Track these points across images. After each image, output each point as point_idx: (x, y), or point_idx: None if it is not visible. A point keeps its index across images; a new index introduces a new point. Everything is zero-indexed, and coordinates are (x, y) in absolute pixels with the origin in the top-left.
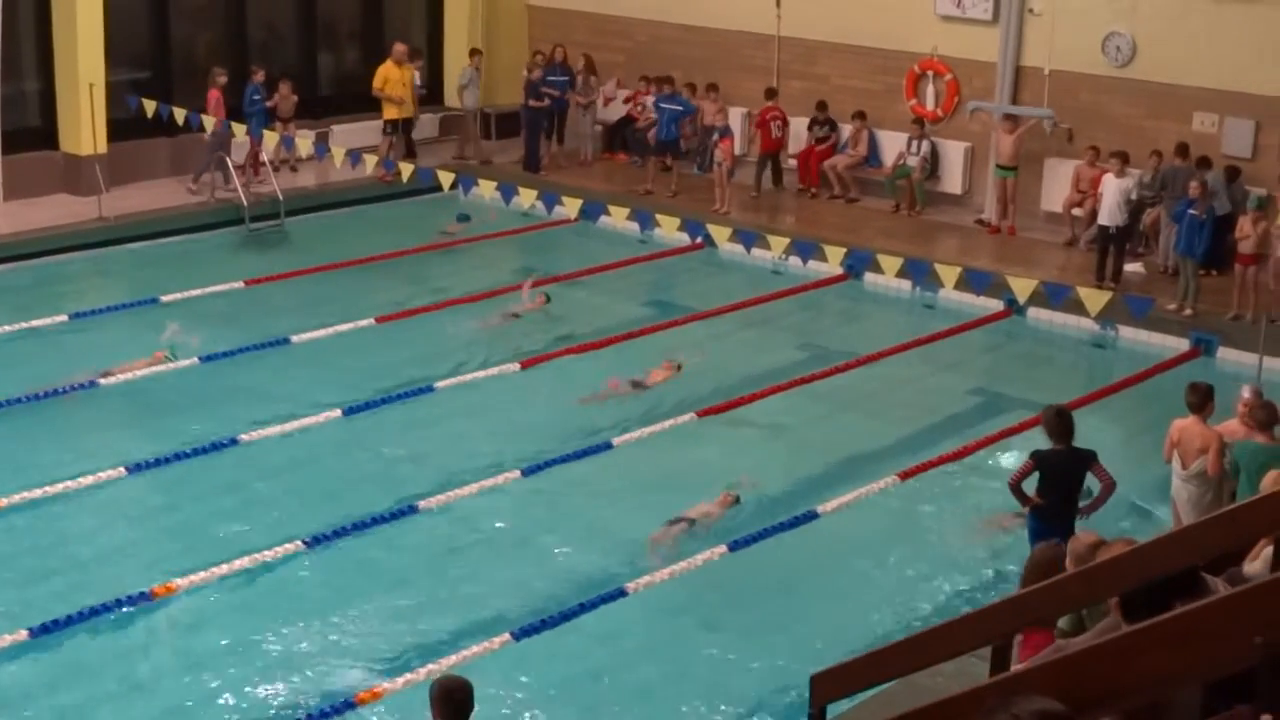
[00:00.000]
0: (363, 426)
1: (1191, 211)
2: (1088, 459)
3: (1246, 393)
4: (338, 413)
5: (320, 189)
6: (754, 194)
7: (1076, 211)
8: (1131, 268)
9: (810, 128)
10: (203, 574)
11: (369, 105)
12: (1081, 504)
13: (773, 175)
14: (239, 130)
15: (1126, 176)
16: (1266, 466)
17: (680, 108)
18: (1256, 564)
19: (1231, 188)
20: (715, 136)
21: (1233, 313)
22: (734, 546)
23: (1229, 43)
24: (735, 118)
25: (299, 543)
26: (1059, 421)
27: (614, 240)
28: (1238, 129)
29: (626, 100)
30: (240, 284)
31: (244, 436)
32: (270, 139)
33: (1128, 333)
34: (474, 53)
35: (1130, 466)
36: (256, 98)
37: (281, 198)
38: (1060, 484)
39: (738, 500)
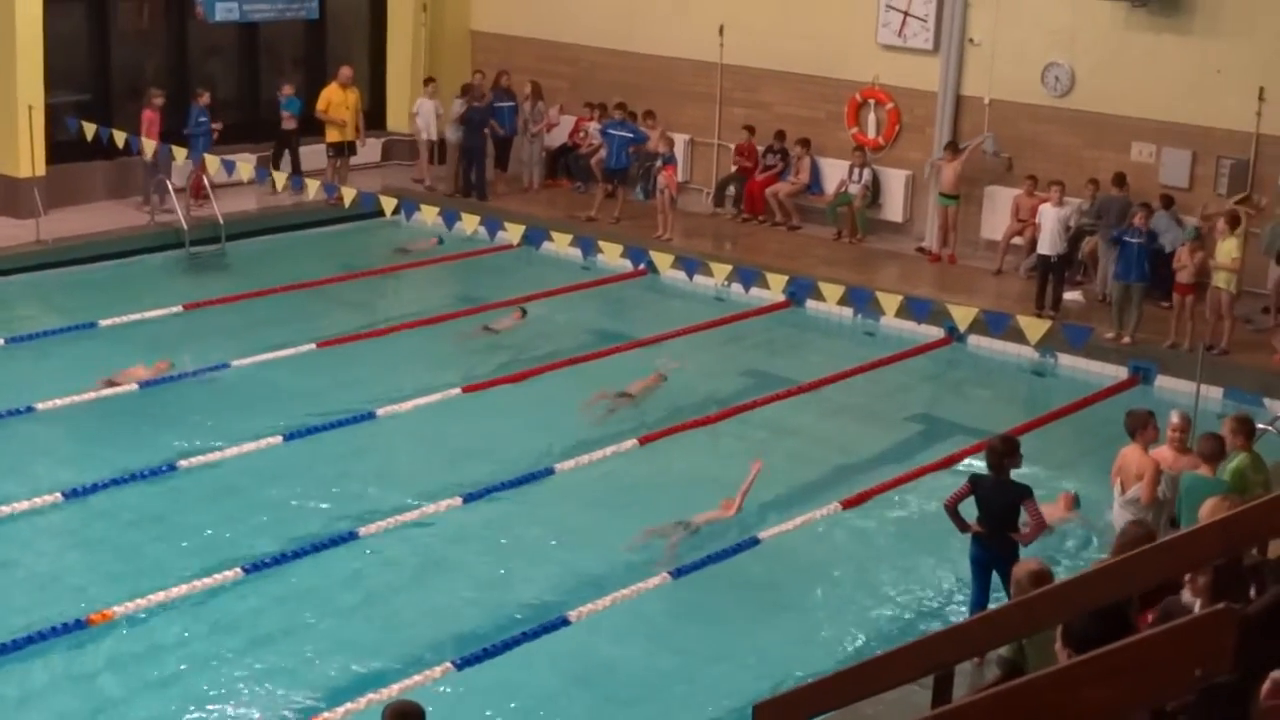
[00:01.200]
0: (303, 453)
1: (1138, 240)
2: (1021, 494)
3: (1175, 418)
4: (278, 439)
5: (261, 213)
6: (717, 210)
7: (1016, 240)
8: (1070, 296)
9: (764, 155)
10: (140, 601)
11: (312, 129)
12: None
13: (735, 198)
14: (179, 153)
15: (1064, 205)
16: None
17: (631, 135)
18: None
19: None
20: (658, 163)
21: (1170, 341)
22: (676, 574)
23: (1166, 74)
24: (679, 144)
25: (238, 570)
26: (990, 454)
27: (557, 266)
28: (1175, 159)
29: (579, 132)
30: (179, 308)
31: (182, 463)
32: (212, 162)
33: (1067, 361)
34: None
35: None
36: (203, 120)
37: (222, 221)
38: (990, 512)
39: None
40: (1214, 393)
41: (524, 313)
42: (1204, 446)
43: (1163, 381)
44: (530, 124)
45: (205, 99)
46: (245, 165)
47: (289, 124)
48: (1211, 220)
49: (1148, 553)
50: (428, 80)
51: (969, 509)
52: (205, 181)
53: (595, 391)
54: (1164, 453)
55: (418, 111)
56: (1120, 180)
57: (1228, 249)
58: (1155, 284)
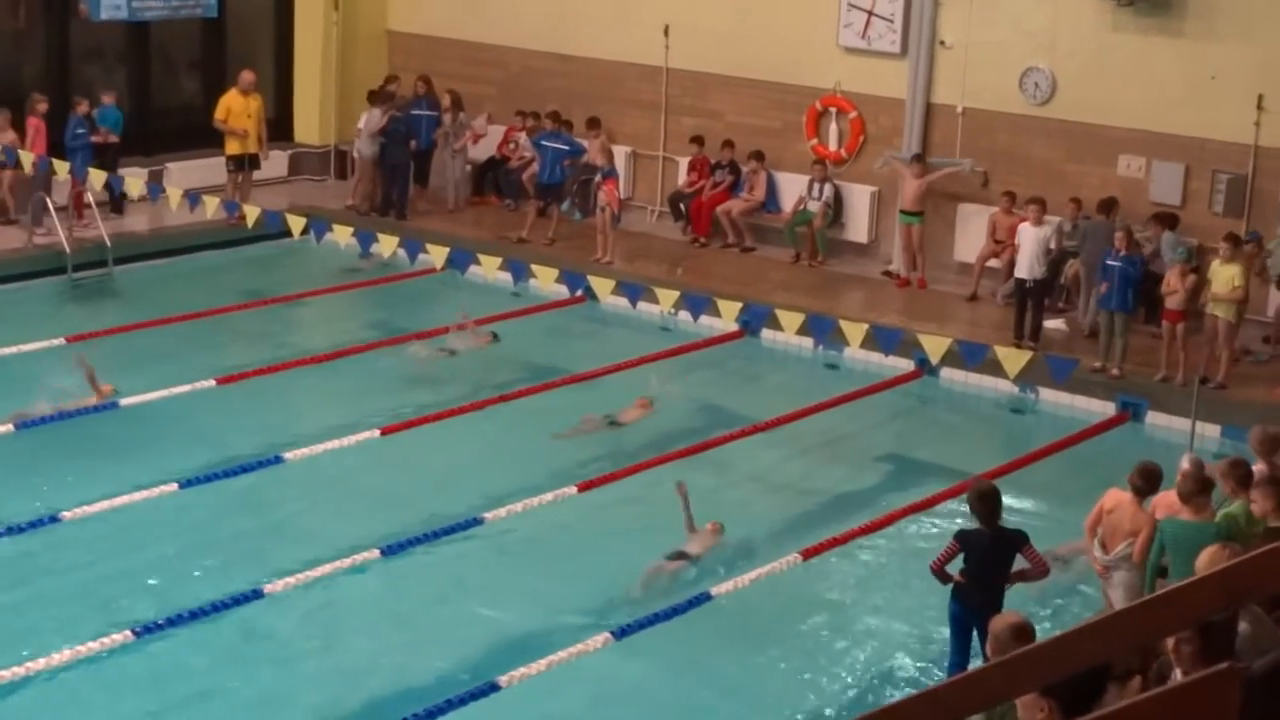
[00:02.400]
0: (200, 502)
1: (1119, 264)
2: (1016, 542)
3: (1186, 464)
4: (173, 486)
5: (152, 234)
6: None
7: (993, 263)
8: (1052, 325)
9: (714, 170)
10: (18, 669)
11: (210, 140)
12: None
13: (675, 215)
14: (61, 168)
15: (1044, 225)
16: (1196, 545)
17: (566, 146)
18: None
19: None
20: (598, 178)
21: (1161, 374)
22: (619, 635)
23: (1156, 80)
24: (620, 156)
25: (128, 632)
26: (979, 503)
27: (485, 292)
28: (1166, 174)
29: (508, 144)
30: (61, 340)
31: (66, 514)
32: (97, 177)
33: (1049, 395)
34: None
35: (1056, 542)
36: (80, 131)
37: (109, 243)
38: (983, 567)
39: (722, 529)
40: (1210, 430)
41: (495, 336)
42: (1187, 487)
43: (1154, 418)
44: (451, 138)
45: (84, 108)
46: (134, 181)
47: (109, 139)
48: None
49: (1140, 607)
50: (374, 93)
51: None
52: (89, 199)
53: (582, 418)
54: (1170, 499)
55: (364, 126)
56: (1107, 206)
57: (1228, 276)
58: (1149, 311)
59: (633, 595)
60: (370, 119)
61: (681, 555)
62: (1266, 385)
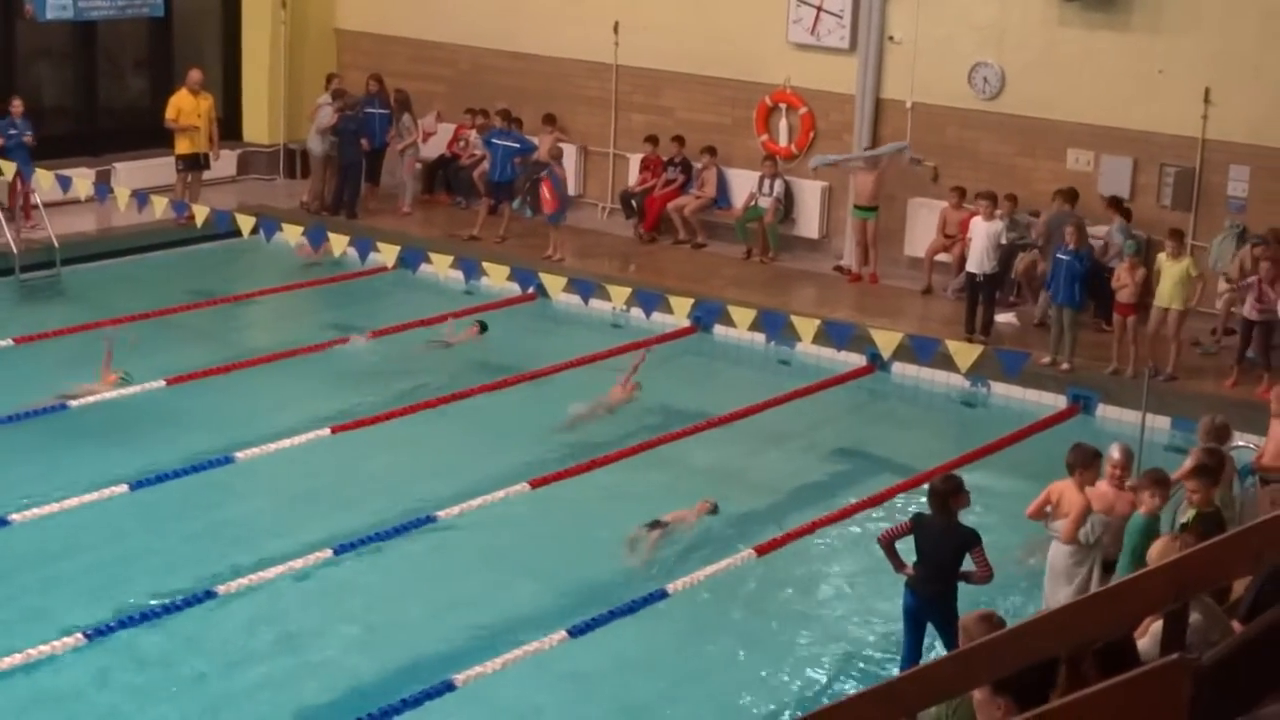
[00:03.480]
0: (152, 502)
1: (1067, 258)
2: (968, 540)
3: (1116, 453)
4: (123, 488)
5: (101, 234)
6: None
7: (943, 257)
8: (1003, 319)
9: (666, 167)
10: None
11: (158, 140)
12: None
13: (626, 213)
14: (8, 168)
15: (996, 219)
16: (1151, 540)
17: (517, 144)
18: (1144, 640)
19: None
20: (544, 175)
21: (1112, 367)
22: (574, 633)
23: (1104, 74)
24: (571, 153)
25: (78, 635)
26: (933, 495)
27: (436, 291)
28: (1115, 167)
29: (458, 142)
30: (9, 342)
31: (15, 516)
32: (44, 178)
33: (1000, 389)
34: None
35: (1007, 536)
36: (13, 132)
37: (57, 244)
38: (930, 555)
39: (715, 509)
40: (1161, 423)
41: (484, 326)
42: (1145, 481)
43: (1105, 411)
44: (395, 139)
45: (19, 108)
46: (82, 181)
47: None
48: None
49: (1091, 600)
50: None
51: (907, 551)
52: (35, 200)
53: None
54: (1103, 489)
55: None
56: (1070, 196)
57: (1179, 271)
58: (1099, 304)
59: (625, 563)
60: (321, 116)
61: (657, 524)
62: (1216, 377)
